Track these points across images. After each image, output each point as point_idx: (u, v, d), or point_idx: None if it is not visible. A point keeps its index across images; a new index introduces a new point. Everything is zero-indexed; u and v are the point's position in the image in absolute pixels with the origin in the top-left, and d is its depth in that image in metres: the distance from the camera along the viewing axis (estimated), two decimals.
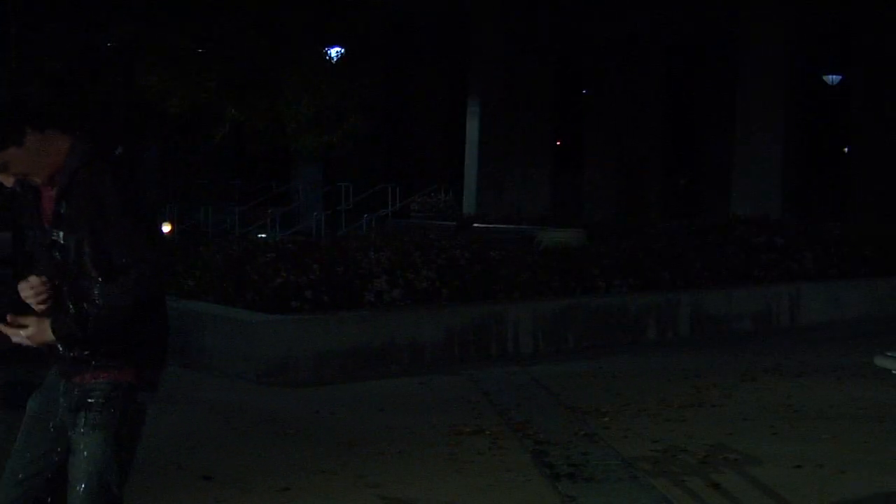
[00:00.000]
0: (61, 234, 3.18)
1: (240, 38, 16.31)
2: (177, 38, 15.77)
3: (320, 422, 7.42)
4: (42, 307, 3.22)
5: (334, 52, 19.21)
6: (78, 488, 3.21)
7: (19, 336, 3.21)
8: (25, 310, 3.24)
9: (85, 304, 3.14)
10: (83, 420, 3.21)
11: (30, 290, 3.22)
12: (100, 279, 3.14)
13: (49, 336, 3.17)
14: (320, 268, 9.81)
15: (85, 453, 3.21)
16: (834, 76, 27.94)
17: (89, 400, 3.21)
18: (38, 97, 15.64)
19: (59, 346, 3.22)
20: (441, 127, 30.86)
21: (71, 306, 3.16)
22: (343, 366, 9.30)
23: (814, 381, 8.87)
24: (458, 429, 6.99)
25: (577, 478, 5.78)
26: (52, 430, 3.31)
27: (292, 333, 9.16)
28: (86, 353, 3.20)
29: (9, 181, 3.22)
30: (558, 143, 30.92)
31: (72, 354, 3.21)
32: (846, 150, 29.46)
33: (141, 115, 17.00)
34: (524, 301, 10.79)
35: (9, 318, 3.23)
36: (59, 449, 3.30)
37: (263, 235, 19.84)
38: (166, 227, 21.06)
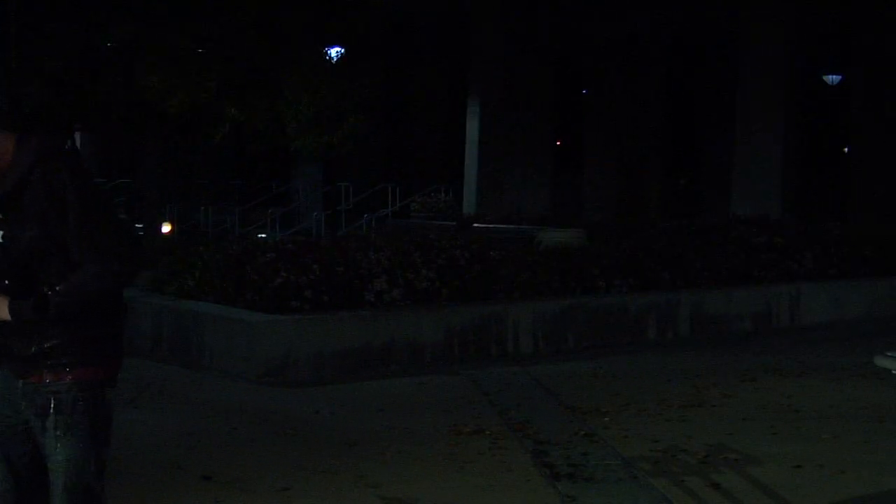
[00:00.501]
0: (1, 234, 3.14)
1: (240, 38, 16.28)
2: (177, 38, 15.74)
3: (320, 422, 7.43)
4: None
5: (334, 52, 19.20)
6: (59, 492, 3.18)
7: None
8: None
9: (46, 290, 3.10)
10: (53, 424, 3.16)
11: None
12: (58, 271, 3.10)
13: (5, 315, 3.12)
14: (320, 268, 9.81)
15: (60, 457, 3.17)
16: (834, 76, 27.93)
17: (57, 403, 3.15)
18: (38, 97, 15.64)
19: (9, 340, 3.16)
20: (441, 127, 30.84)
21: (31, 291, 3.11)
22: (343, 366, 9.30)
23: (814, 381, 8.87)
24: (458, 429, 6.99)
25: (577, 478, 5.78)
26: (20, 432, 3.25)
27: (292, 333, 9.17)
28: (46, 346, 3.13)
29: None
30: (558, 143, 30.92)
31: (32, 349, 3.15)
32: (846, 150, 29.45)
33: (141, 115, 16.96)
34: (524, 301, 10.79)
35: None
36: (31, 449, 3.25)
37: (263, 235, 19.85)
38: (166, 227, 21.08)
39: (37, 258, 3.12)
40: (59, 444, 3.17)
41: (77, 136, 21.99)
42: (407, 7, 27.10)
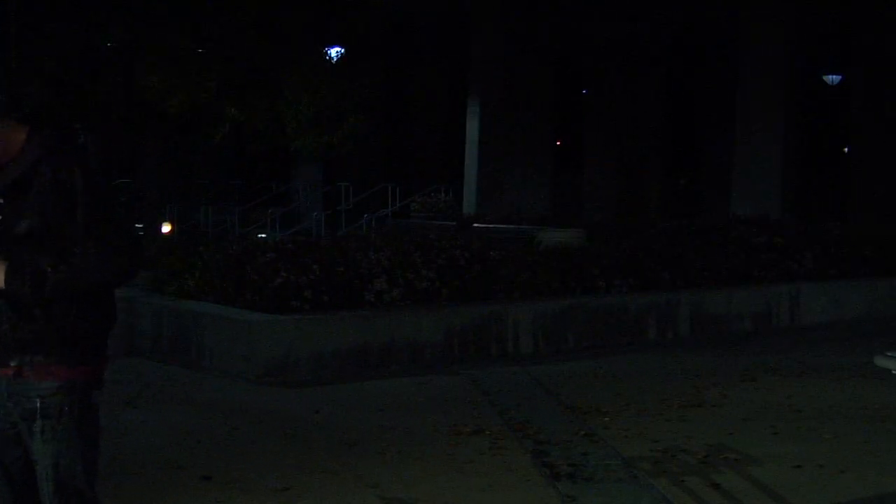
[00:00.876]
0: None
1: (240, 38, 16.28)
2: (177, 38, 15.73)
3: (320, 422, 7.43)
4: None
5: (334, 52, 19.22)
6: (49, 496, 3.17)
7: None
8: None
9: (48, 267, 3.06)
10: (40, 428, 3.14)
11: None
12: (52, 261, 3.06)
13: (0, 282, 3.07)
14: (320, 268, 9.81)
15: (48, 461, 3.16)
16: (834, 76, 27.94)
17: (43, 407, 3.12)
18: (38, 97, 15.63)
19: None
20: (441, 127, 30.84)
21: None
22: (343, 366, 9.30)
23: (814, 381, 8.87)
24: (458, 429, 6.99)
25: (577, 478, 5.79)
26: (12, 435, 3.22)
27: (292, 333, 9.17)
28: (28, 331, 3.09)
29: None
30: (558, 143, 30.91)
31: (15, 333, 3.10)
32: (846, 150, 29.44)
33: (141, 115, 16.95)
34: (524, 301, 10.79)
35: None
36: (24, 453, 3.22)
37: (263, 235, 19.85)
38: (166, 227, 21.07)
39: (34, 245, 3.10)
40: (46, 448, 3.15)
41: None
42: (407, 7, 27.10)
